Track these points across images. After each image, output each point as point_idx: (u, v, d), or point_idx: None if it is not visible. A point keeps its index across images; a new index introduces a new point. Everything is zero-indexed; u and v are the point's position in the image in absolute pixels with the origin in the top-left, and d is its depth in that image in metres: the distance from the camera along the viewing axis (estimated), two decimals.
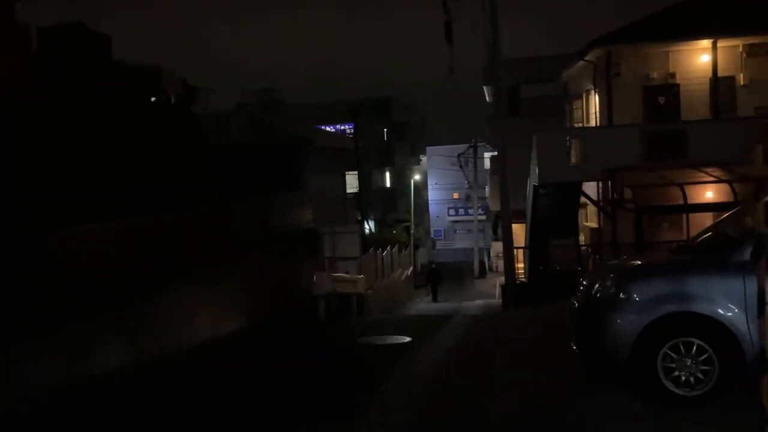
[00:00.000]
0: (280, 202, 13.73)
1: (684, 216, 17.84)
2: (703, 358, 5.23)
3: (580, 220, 20.90)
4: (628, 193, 16.53)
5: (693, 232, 17.47)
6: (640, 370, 5.33)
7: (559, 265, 18.18)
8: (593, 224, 20.53)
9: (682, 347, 5.25)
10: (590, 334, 5.73)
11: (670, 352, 5.27)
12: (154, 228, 8.71)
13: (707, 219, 18.24)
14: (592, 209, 20.72)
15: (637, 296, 5.35)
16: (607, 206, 18.30)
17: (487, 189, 48.69)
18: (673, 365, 5.27)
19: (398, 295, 23.43)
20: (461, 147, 42.94)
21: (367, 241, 27.21)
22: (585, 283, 6.23)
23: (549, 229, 19.13)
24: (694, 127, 17.22)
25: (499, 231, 40.89)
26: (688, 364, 5.25)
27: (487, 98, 40.59)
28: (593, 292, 5.79)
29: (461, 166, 41.59)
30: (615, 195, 18.00)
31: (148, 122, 10.54)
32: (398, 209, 43.52)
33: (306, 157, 17.82)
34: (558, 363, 6.90)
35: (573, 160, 17.56)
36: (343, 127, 43.83)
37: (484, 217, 48.65)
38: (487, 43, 16.41)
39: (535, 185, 18.26)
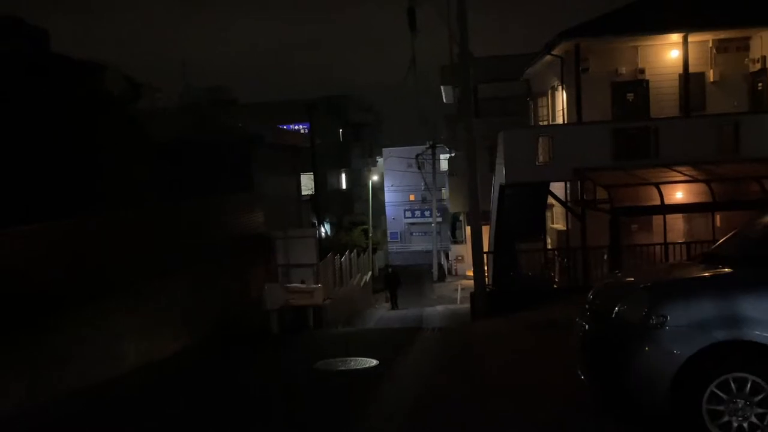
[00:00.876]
0: (227, 204, 12.26)
1: (653, 218, 17.24)
2: (759, 398, 4.15)
3: (546, 222, 20.10)
4: (601, 193, 15.68)
5: (662, 235, 16.90)
6: (679, 414, 4.22)
7: (525, 270, 17.23)
8: (560, 226, 19.71)
9: (732, 385, 4.16)
10: (610, 367, 4.59)
11: (717, 392, 4.17)
12: (63, 235, 7.22)
13: (676, 221, 17.69)
14: (558, 210, 19.91)
15: (675, 321, 4.23)
16: (576, 207, 17.47)
17: (444, 191, 48.07)
18: (722, 408, 4.17)
19: (357, 303, 22.09)
20: (418, 149, 42.05)
21: (324, 246, 25.81)
22: (596, 301, 5.09)
23: (515, 231, 18.19)
24: (666, 124, 16.58)
25: (458, 233, 40.22)
26: (741, 406, 4.16)
27: (444, 99, 39.76)
28: (613, 314, 4.65)
29: (419, 167, 40.59)
30: (585, 195, 17.20)
31: (61, 114, 9.02)
32: (354, 211, 42.25)
33: (257, 155, 16.36)
34: (561, 394, 5.76)
35: (541, 158, 16.71)
36: (297, 127, 42.53)
37: (441, 219, 47.86)
38: (452, 37, 15.36)
39: (501, 185, 17.29)
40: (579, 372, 5.28)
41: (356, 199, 42.54)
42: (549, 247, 19.69)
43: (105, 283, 7.52)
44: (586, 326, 5.08)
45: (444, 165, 46.74)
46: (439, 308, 24.94)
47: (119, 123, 11.50)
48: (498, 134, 17.44)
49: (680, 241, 15.77)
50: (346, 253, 20.73)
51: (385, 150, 60.23)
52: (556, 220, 20.32)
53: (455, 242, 39.30)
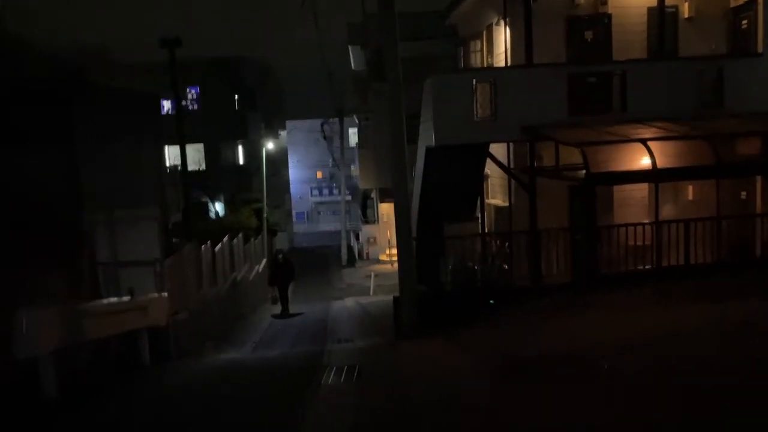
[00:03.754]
0: None
1: (613, 189, 13.66)
2: None
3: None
4: (571, 156, 11.77)
5: (626, 211, 13.45)
6: None
7: (465, 261, 13.11)
8: (499, 202, 15.72)
9: None
10: None
11: None
12: None
13: (634, 192, 14.21)
14: (496, 181, 15.91)
15: None
16: (524, 176, 13.51)
17: (353, 167, 43.70)
18: None
19: (243, 305, 17.16)
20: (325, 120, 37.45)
21: (209, 230, 20.63)
22: None
23: (445, 208, 14.09)
24: (634, 69, 12.93)
25: (370, 213, 35.94)
26: None
27: (353, 64, 35.15)
28: None
29: (325, 137, 35.89)
30: (536, 161, 13.29)
31: None
32: (253, 189, 36.99)
33: (82, 105, 11.14)
34: None
35: (480, 113, 12.63)
36: (191, 92, 37.21)
37: (350, 197, 43.49)
38: None
39: (428, 148, 13.04)
40: None
41: (254, 175, 37.23)
42: (486, 229, 15.72)
43: None
44: None
45: (353, 140, 42.49)
46: (349, 303, 20.56)
47: None
48: (424, 83, 13.14)
49: (660, 219, 12.03)
50: (225, 239, 15.80)
51: (288, 122, 54.99)
52: (494, 194, 16.33)
53: (366, 222, 35.03)
